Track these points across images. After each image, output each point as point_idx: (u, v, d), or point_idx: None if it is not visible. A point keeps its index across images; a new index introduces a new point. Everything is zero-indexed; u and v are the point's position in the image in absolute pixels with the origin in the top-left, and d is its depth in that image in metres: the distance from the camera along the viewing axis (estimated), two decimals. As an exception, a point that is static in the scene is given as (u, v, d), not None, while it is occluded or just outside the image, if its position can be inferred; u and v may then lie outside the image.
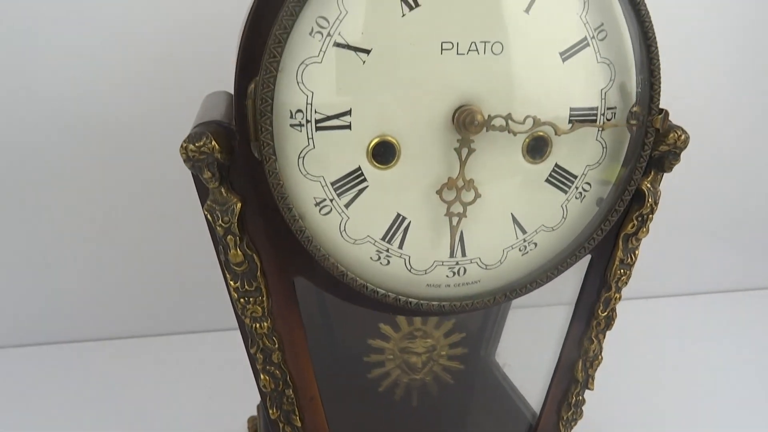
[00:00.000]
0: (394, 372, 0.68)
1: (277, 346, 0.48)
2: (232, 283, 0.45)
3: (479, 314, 0.78)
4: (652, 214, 0.52)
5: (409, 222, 0.46)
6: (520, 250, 0.50)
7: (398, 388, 0.69)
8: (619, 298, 0.55)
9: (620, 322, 0.57)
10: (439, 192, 0.45)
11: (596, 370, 0.58)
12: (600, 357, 0.58)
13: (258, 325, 0.47)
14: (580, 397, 0.59)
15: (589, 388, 0.59)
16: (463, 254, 0.49)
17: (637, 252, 0.54)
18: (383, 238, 0.47)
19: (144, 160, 0.94)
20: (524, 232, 0.49)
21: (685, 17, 1.03)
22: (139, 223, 0.97)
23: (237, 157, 0.43)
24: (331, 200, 0.44)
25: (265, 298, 0.46)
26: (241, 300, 0.46)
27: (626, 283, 0.55)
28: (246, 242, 0.44)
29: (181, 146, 0.40)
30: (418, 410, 0.70)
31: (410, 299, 0.48)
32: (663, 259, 1.16)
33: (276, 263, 0.46)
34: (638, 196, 0.51)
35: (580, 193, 0.50)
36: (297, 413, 0.51)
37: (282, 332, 0.48)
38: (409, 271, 0.48)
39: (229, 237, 0.43)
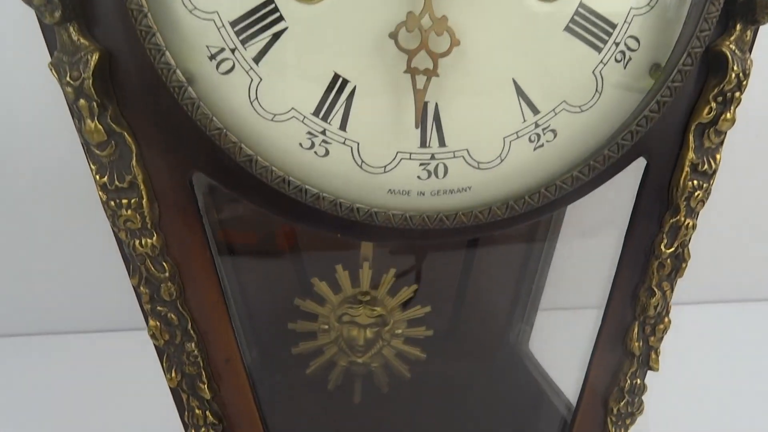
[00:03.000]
0: (330, 350, 0.50)
1: (168, 275, 0.33)
2: (98, 177, 0.31)
3: (490, 287, 0.60)
4: (740, 92, 0.34)
5: (354, 87, 0.31)
6: (530, 140, 0.34)
7: (334, 373, 0.52)
8: (693, 227, 0.37)
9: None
10: (394, 35, 0.30)
11: (662, 338, 0.40)
12: (666, 319, 0.39)
13: (137, 243, 0.32)
14: (638, 381, 0.41)
15: (651, 368, 0.40)
16: (442, 143, 0.33)
17: (718, 156, 0.36)
18: (316, 113, 0.32)
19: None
20: (536, 111, 0.33)
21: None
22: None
23: (96, -13, 0.30)
24: (233, 50, 0.30)
25: (146, 202, 0.32)
26: (112, 203, 0.32)
27: (703, 204, 0.37)
28: (112, 114, 0.31)
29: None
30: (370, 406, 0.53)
31: (357, 205, 0.32)
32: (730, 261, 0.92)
33: (162, 149, 0.32)
34: (717, 64, 0.34)
35: (622, 53, 0.33)
36: (206, 381, 0.36)
37: (177, 257, 0.34)
38: (360, 166, 0.33)
39: (82, 102, 0.30)
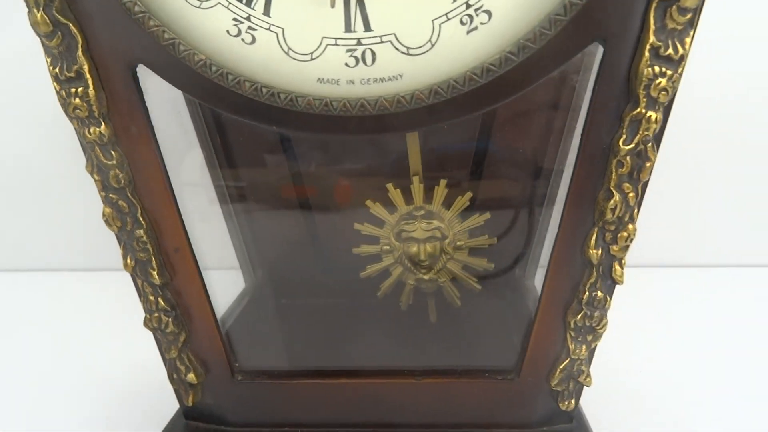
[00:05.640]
0: (395, 270, 0.51)
1: (115, 162, 0.36)
2: (51, 68, 0.34)
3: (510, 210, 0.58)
4: (708, -39, 0.31)
5: (273, -31, 0.32)
6: (462, 22, 0.32)
7: (404, 293, 0.52)
8: (657, 123, 0.33)
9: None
10: None
11: (626, 248, 0.36)
12: (630, 227, 0.36)
13: (87, 131, 0.35)
14: (598, 294, 0.38)
15: (615, 281, 0.37)
16: (367, 27, 0.32)
17: (687, 40, 0.33)
18: (240, -1, 0.32)
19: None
20: (465, -10, 0.31)
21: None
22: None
23: None
24: (158, -63, 0.31)
25: (92, 91, 0.34)
26: (63, 92, 0.35)
27: (666, 94, 0.33)
28: (58, 6, 0.33)
29: None
30: (420, 323, 0.53)
31: (277, 90, 0.32)
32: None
33: (106, 39, 0.34)
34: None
35: None
36: (155, 267, 0.38)
37: (126, 147, 0.36)
38: (287, 54, 0.33)
39: (28, -8, 0.32)
